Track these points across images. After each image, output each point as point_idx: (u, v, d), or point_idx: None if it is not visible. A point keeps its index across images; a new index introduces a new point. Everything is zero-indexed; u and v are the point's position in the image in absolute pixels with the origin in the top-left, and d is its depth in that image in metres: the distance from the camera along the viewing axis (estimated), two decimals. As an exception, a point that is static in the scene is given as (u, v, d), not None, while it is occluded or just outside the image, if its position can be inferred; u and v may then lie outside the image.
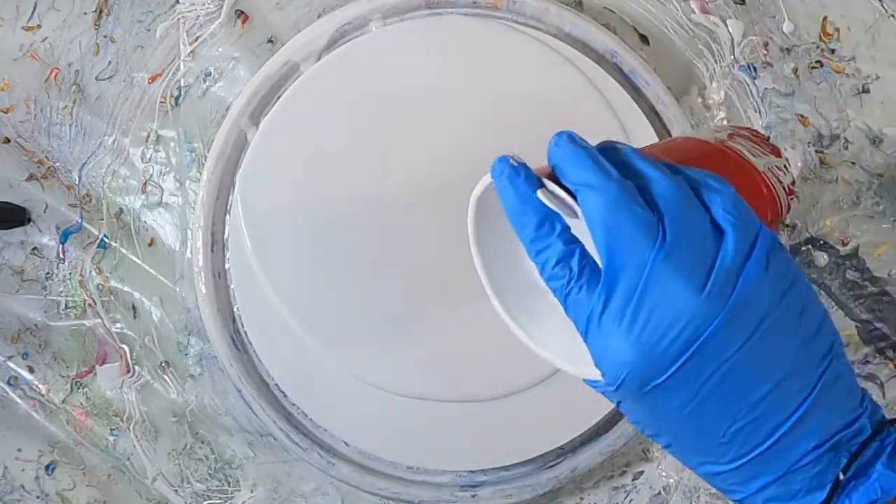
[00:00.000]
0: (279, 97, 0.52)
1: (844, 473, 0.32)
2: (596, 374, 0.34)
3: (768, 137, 0.45)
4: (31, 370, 0.55)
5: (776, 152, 0.43)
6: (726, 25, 0.54)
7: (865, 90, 0.54)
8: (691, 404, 0.32)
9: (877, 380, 0.54)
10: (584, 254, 0.33)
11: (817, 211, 0.54)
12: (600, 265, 0.33)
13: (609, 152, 0.35)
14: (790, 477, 0.32)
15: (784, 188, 0.41)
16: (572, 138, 0.34)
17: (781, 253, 0.32)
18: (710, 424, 0.32)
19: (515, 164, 0.34)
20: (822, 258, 0.54)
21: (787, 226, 0.54)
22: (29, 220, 0.55)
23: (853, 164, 0.54)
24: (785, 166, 0.42)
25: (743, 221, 0.32)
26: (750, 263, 0.31)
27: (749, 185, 0.40)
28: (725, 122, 0.53)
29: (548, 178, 0.34)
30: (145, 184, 0.55)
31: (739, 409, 0.32)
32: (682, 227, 0.32)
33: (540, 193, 0.33)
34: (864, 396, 0.33)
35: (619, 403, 0.34)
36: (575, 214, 0.33)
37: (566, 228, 0.33)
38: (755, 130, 0.45)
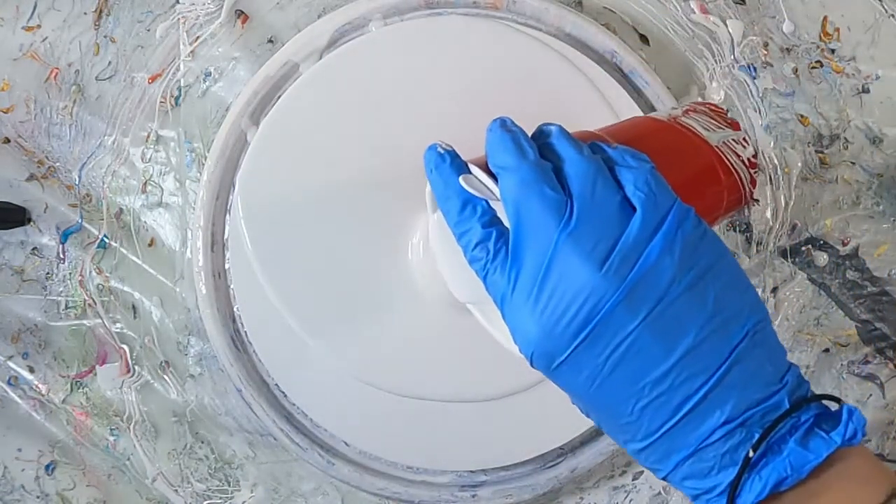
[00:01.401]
0: (279, 97, 0.52)
1: (755, 450, 0.32)
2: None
3: (727, 111, 0.45)
4: (31, 370, 0.55)
5: (735, 126, 0.43)
6: (726, 25, 0.54)
7: (865, 90, 0.54)
8: (596, 381, 0.32)
9: (877, 380, 0.54)
10: (502, 235, 0.34)
11: (817, 211, 0.54)
12: None
13: (537, 135, 0.36)
14: (702, 454, 0.32)
15: (744, 161, 0.41)
16: (504, 124, 0.35)
17: (695, 229, 0.32)
18: (619, 401, 0.33)
19: (441, 152, 0.36)
20: (822, 258, 0.54)
21: (793, 227, 0.54)
22: (29, 220, 0.55)
23: (853, 164, 0.54)
24: (744, 139, 0.42)
25: (653, 198, 0.32)
26: (655, 240, 0.32)
27: (695, 159, 0.40)
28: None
29: (483, 165, 0.35)
30: (145, 184, 0.55)
31: (644, 385, 0.32)
32: (588, 205, 0.32)
33: (461, 179, 0.35)
34: (789, 372, 0.33)
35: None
36: (497, 198, 0.34)
37: (486, 212, 0.34)
38: (713, 105, 0.44)
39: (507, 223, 0.34)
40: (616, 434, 0.34)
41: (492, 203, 0.35)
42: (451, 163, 0.35)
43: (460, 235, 0.35)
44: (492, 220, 0.34)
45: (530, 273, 0.32)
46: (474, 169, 0.35)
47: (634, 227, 0.32)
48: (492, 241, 0.34)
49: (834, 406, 0.33)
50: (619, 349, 0.32)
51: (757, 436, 0.32)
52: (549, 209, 0.32)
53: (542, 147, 0.35)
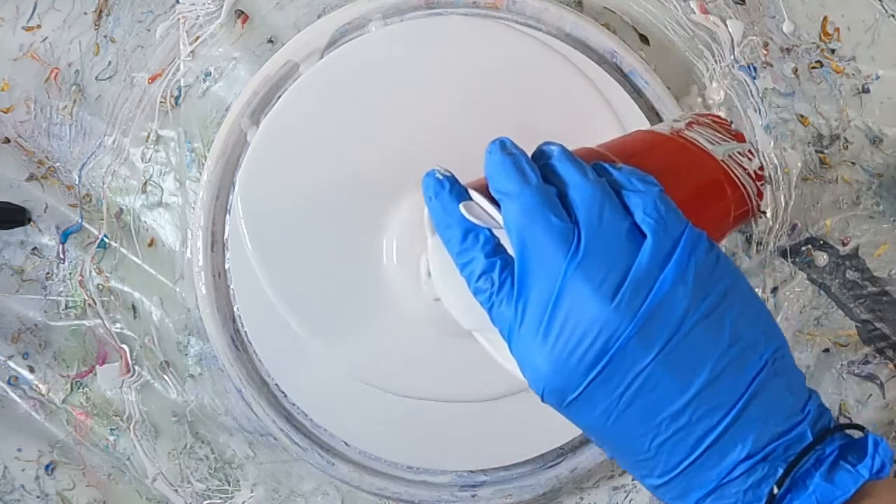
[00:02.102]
0: (279, 97, 0.52)
1: (779, 486, 0.30)
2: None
3: (731, 122, 0.44)
4: (31, 370, 0.55)
5: (739, 137, 0.42)
6: (726, 25, 0.54)
7: (865, 90, 0.54)
8: (611, 417, 0.31)
9: (877, 380, 0.54)
10: (507, 265, 0.32)
11: (817, 211, 0.54)
12: None
13: (538, 156, 0.34)
14: (723, 490, 0.31)
15: (750, 174, 0.40)
16: (503, 145, 0.34)
17: (708, 254, 0.31)
18: (635, 437, 0.31)
19: (440, 178, 0.34)
20: (822, 258, 0.54)
21: (793, 227, 0.54)
22: (29, 220, 0.55)
23: (853, 164, 0.54)
24: (750, 151, 0.41)
25: (662, 223, 0.31)
26: (668, 268, 0.30)
27: (700, 175, 0.39)
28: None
29: (484, 189, 0.34)
30: (145, 184, 0.55)
31: (661, 420, 0.31)
32: (596, 234, 0.31)
33: (462, 206, 0.33)
34: (810, 401, 0.32)
35: None
36: (500, 225, 0.33)
37: (489, 240, 0.33)
38: (717, 116, 0.43)
39: (511, 251, 0.33)
40: (633, 469, 0.33)
41: (495, 231, 0.34)
42: (450, 189, 0.34)
43: (463, 266, 0.33)
44: (495, 249, 0.33)
45: (538, 306, 0.31)
46: (475, 195, 0.34)
47: (645, 256, 0.31)
48: (496, 272, 0.32)
49: (857, 434, 0.32)
50: (633, 384, 0.31)
51: (781, 471, 0.31)
52: (555, 238, 0.31)
53: (543, 169, 0.33)
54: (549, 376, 0.31)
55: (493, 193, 0.33)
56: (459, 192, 0.34)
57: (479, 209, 0.33)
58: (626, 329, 0.30)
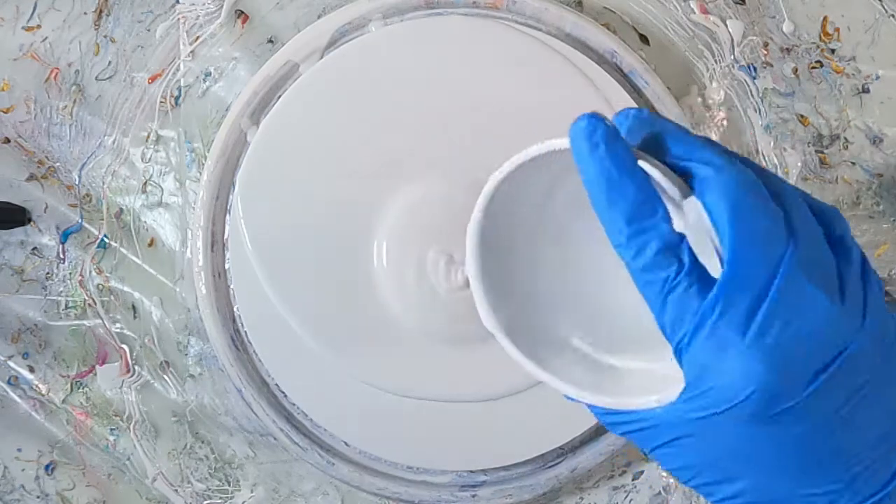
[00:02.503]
0: (279, 97, 0.52)
1: None
2: (630, 403, 0.29)
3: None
4: (31, 370, 0.55)
5: None
6: (726, 25, 0.54)
7: (865, 90, 0.54)
8: (818, 434, 0.27)
9: (877, 380, 0.54)
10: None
11: (817, 211, 0.54)
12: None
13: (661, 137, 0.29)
14: None
15: None
16: (656, 112, 0.28)
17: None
18: (829, 465, 0.27)
19: (610, 126, 0.28)
20: (822, 258, 0.54)
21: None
22: (29, 220, 0.55)
23: (853, 164, 0.54)
24: None
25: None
26: (868, 273, 0.27)
27: None
28: (725, 123, 0.53)
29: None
30: (145, 184, 0.55)
31: (867, 440, 0.27)
32: (809, 226, 0.27)
33: (645, 164, 0.27)
34: None
35: (664, 444, 0.28)
36: (674, 200, 0.28)
37: (667, 211, 0.27)
38: None
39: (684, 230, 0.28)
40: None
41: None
42: (622, 142, 0.27)
43: (632, 234, 0.27)
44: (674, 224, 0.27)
45: (751, 298, 0.26)
46: (646, 157, 0.28)
47: (856, 257, 0.27)
48: (684, 250, 0.27)
49: None
50: (857, 395, 0.27)
51: None
52: (774, 220, 0.26)
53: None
54: (765, 378, 0.26)
55: (674, 161, 0.28)
56: (626, 149, 0.28)
57: (660, 173, 0.28)
58: (857, 333, 0.26)
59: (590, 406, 0.31)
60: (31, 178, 0.55)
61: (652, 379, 0.30)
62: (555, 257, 0.35)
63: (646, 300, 0.28)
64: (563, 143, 0.29)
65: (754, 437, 0.27)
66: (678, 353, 0.27)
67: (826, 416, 0.26)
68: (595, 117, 0.28)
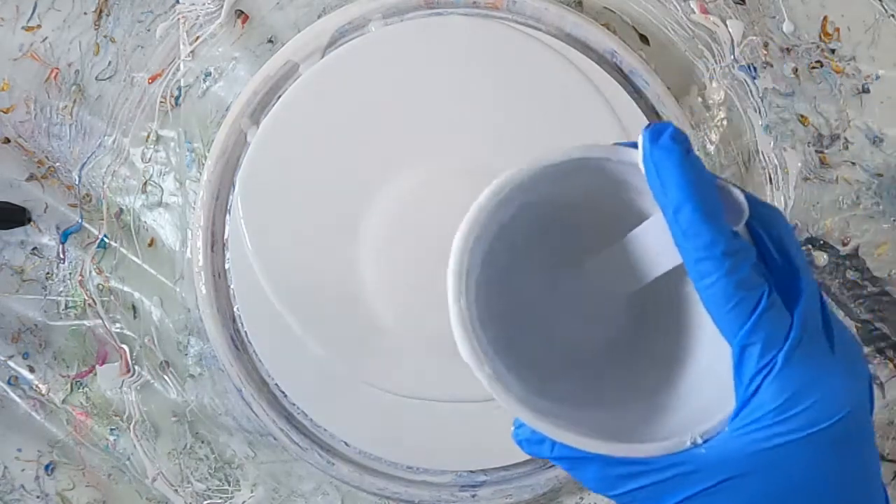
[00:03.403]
0: (279, 97, 0.52)
1: None
2: (650, 450, 0.26)
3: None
4: (31, 370, 0.55)
5: None
6: (726, 25, 0.54)
7: (865, 90, 0.54)
8: (875, 463, 0.27)
9: (877, 380, 0.54)
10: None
11: (817, 211, 0.54)
12: None
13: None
14: None
15: None
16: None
17: None
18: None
19: (682, 134, 0.26)
20: (822, 258, 0.54)
21: (793, 227, 0.54)
22: (29, 220, 0.55)
23: (853, 164, 0.54)
24: None
25: None
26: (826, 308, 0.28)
27: None
28: (725, 123, 0.53)
29: None
30: (145, 184, 0.55)
31: None
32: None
33: (719, 182, 0.26)
34: None
35: (701, 492, 0.26)
36: (739, 218, 0.26)
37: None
38: None
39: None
40: None
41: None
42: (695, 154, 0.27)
43: (732, 249, 0.25)
44: None
45: (814, 316, 0.26)
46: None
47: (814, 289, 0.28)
48: (766, 270, 0.27)
49: None
50: None
51: None
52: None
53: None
54: (860, 395, 0.27)
55: (729, 189, 0.27)
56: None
57: (738, 191, 0.27)
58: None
59: (574, 469, 0.29)
60: (31, 178, 0.55)
61: (656, 422, 0.28)
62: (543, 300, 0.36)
63: (726, 319, 0.26)
64: (632, 154, 0.27)
65: (825, 464, 0.26)
66: (778, 369, 0.26)
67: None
68: (665, 126, 0.26)
